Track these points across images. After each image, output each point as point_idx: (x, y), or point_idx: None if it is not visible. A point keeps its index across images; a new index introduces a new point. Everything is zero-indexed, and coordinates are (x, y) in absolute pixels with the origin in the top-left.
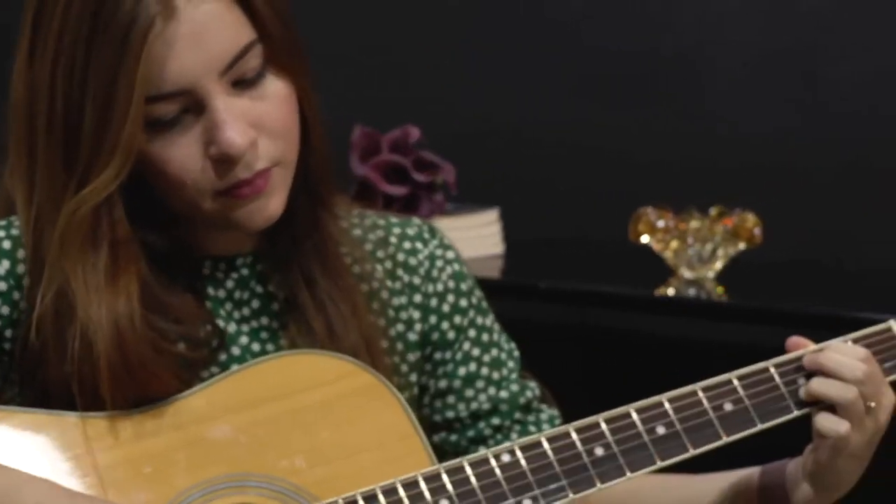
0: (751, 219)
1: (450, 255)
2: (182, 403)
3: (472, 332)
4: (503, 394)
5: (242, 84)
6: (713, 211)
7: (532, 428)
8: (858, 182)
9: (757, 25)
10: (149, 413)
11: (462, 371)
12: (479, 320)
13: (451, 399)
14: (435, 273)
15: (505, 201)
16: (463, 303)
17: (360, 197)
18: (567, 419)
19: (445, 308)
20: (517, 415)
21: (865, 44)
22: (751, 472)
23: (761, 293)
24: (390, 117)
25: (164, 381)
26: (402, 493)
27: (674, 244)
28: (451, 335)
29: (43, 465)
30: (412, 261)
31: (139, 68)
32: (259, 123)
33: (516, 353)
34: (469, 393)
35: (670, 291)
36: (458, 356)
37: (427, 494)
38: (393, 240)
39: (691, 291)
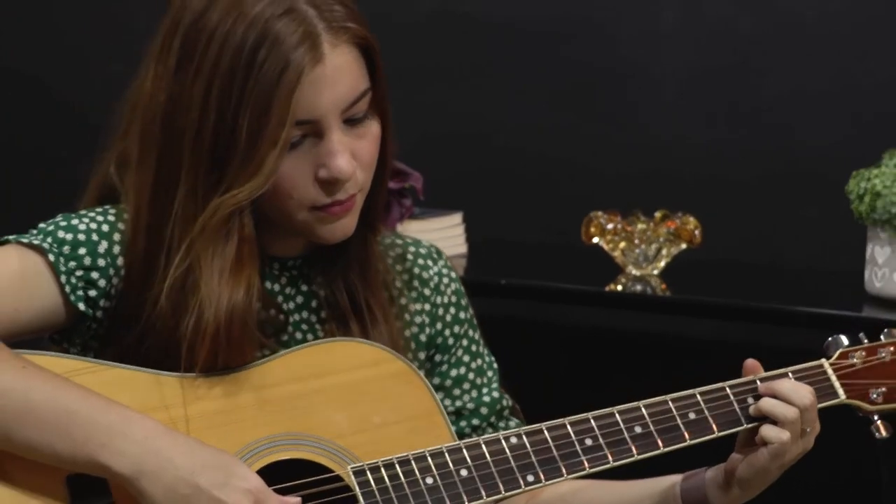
0: (691, 221)
1: (453, 274)
2: (255, 371)
3: (464, 342)
4: (485, 398)
5: (351, 122)
6: (657, 214)
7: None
8: (786, 188)
9: (697, 46)
10: (228, 377)
11: (453, 373)
12: (471, 333)
13: (440, 395)
14: (442, 287)
15: (468, 205)
16: (462, 315)
17: None
18: (527, 401)
19: (448, 318)
20: (492, 418)
21: (790, 64)
22: (675, 477)
23: (701, 289)
24: None
25: (247, 356)
26: (430, 460)
27: (622, 245)
28: (450, 341)
29: (142, 411)
30: (425, 275)
31: (291, 101)
32: (357, 156)
33: (496, 366)
34: (456, 392)
35: (619, 287)
36: (452, 360)
37: (450, 463)
38: (409, 256)
39: (638, 287)
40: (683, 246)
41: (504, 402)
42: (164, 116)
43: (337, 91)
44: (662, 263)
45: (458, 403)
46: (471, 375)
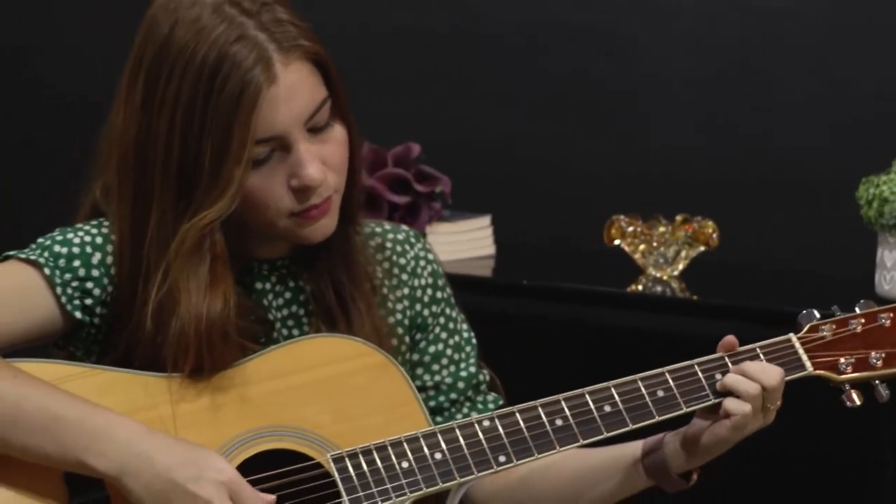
0: (709, 225)
1: (430, 256)
2: (237, 370)
3: (441, 320)
4: (462, 373)
5: (315, 130)
6: (678, 218)
7: (480, 406)
8: (798, 193)
9: (710, 52)
10: (213, 376)
11: (431, 349)
12: (448, 311)
13: (419, 370)
14: (419, 270)
15: (497, 208)
16: (438, 295)
17: (367, 204)
18: (540, 397)
19: (426, 298)
20: (469, 392)
21: (801, 69)
22: (635, 443)
23: (718, 290)
24: (394, 134)
25: (227, 360)
26: (405, 446)
27: (642, 247)
28: (428, 320)
29: (132, 411)
30: (402, 260)
31: (251, 121)
32: (326, 161)
33: (474, 342)
34: (434, 367)
35: (639, 288)
36: (430, 337)
37: (425, 448)
38: (388, 244)
39: (658, 288)
40: (702, 248)
41: (481, 377)
42: (136, 148)
43: (294, 106)
44: (681, 265)
45: (437, 378)
46: (448, 351)
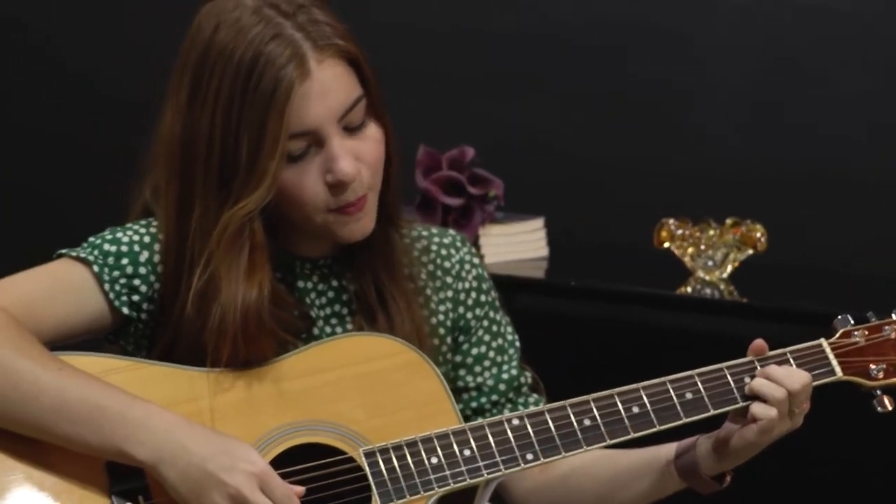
0: (758, 228)
1: (475, 260)
2: (276, 366)
3: (485, 323)
4: (504, 375)
5: (351, 129)
6: (728, 221)
7: (521, 407)
8: (851, 195)
9: (761, 55)
10: (252, 371)
11: (474, 351)
12: (492, 314)
13: (462, 372)
14: (464, 274)
15: (551, 210)
16: (483, 298)
17: (422, 207)
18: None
19: (469, 302)
20: (511, 394)
21: (850, 71)
22: (670, 445)
23: (766, 292)
24: (450, 138)
25: (264, 351)
26: (435, 442)
27: (690, 250)
28: (471, 323)
29: (172, 403)
30: (447, 264)
31: (284, 116)
32: (361, 158)
33: (518, 344)
34: (477, 369)
35: (688, 290)
36: (473, 339)
37: (454, 444)
38: (433, 247)
39: (706, 291)
40: (749, 252)
41: (522, 380)
42: (181, 147)
43: (328, 102)
44: (729, 268)
45: (479, 380)
46: (491, 354)
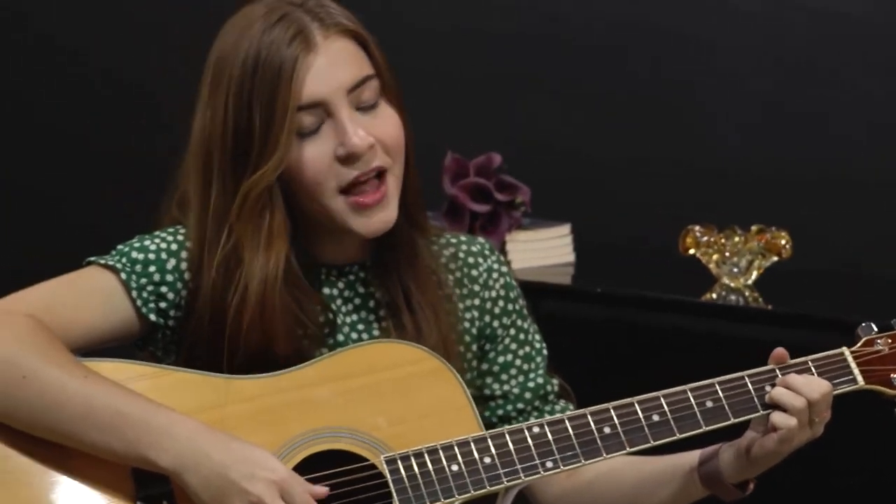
0: (783, 236)
1: (503, 269)
2: (299, 373)
3: (512, 331)
4: (530, 384)
5: (363, 109)
6: (754, 228)
7: (547, 415)
8: (878, 202)
9: (786, 61)
10: (275, 378)
11: (500, 359)
12: (520, 322)
13: (489, 379)
14: (491, 283)
15: (577, 217)
16: (510, 307)
17: (450, 213)
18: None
19: (496, 311)
20: (537, 402)
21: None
22: (693, 453)
23: (791, 299)
24: (477, 145)
25: (281, 343)
26: (456, 449)
27: (716, 256)
28: (498, 331)
29: (196, 410)
30: (474, 272)
31: (291, 86)
32: (377, 136)
33: (545, 352)
34: (503, 377)
35: (713, 297)
36: (500, 347)
37: (475, 451)
38: (461, 255)
39: (731, 297)
40: (774, 259)
41: (549, 387)
42: (201, 137)
43: (335, 74)
44: (754, 275)
45: (506, 388)
46: (517, 362)
